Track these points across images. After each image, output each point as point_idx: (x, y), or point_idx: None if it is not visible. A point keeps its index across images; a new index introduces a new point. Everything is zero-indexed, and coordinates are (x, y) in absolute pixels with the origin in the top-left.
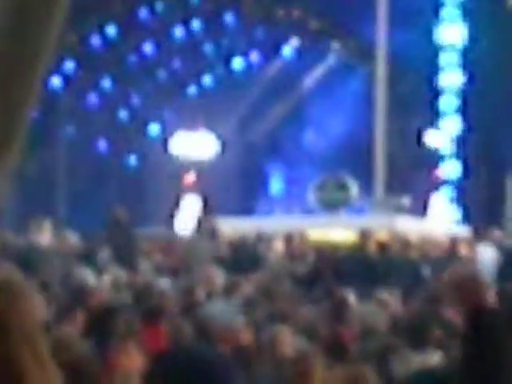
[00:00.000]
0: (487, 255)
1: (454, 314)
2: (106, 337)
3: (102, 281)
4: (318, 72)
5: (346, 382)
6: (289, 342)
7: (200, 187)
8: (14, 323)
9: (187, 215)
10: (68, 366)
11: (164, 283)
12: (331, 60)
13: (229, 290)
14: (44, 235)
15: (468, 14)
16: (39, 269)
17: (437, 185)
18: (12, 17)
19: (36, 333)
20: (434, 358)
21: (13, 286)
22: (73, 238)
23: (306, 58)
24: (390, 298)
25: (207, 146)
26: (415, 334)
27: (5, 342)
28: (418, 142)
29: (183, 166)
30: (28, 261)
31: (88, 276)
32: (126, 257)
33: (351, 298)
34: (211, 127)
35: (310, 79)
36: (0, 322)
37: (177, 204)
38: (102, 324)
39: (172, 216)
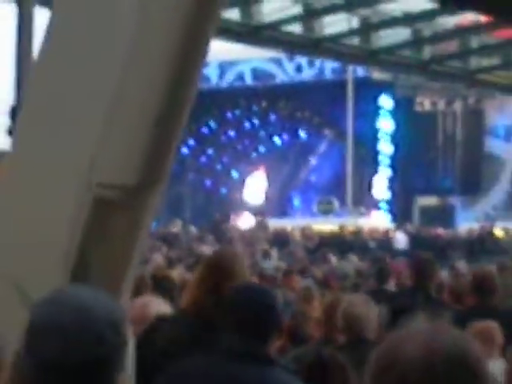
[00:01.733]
0: None
1: None
2: None
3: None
4: (319, 148)
5: None
6: None
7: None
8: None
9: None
10: None
11: None
12: (325, 141)
13: None
14: (176, 228)
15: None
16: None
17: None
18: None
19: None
20: None
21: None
22: (193, 229)
23: (312, 138)
24: None
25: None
26: None
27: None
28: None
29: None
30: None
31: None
32: (219, 237)
33: None
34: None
35: (315, 152)
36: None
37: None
38: None
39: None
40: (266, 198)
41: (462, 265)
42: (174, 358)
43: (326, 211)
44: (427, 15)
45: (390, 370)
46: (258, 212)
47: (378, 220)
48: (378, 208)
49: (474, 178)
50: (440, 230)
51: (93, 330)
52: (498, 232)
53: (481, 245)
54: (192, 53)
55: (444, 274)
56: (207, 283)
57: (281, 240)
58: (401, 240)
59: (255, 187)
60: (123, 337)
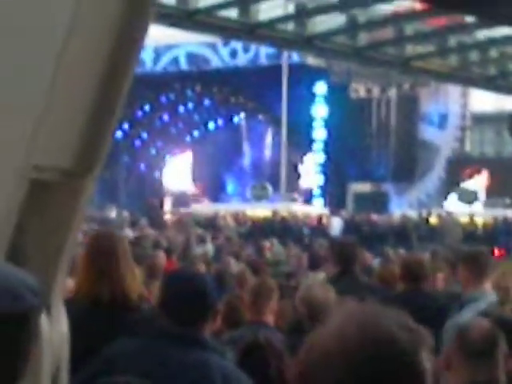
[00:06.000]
0: None
1: None
2: None
3: None
4: (254, 133)
5: None
6: None
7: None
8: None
9: None
10: None
11: None
12: (260, 126)
13: None
14: (112, 213)
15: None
16: None
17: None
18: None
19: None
20: None
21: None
22: (126, 213)
23: (246, 123)
24: None
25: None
26: None
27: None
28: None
29: None
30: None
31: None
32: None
33: None
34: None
35: (249, 137)
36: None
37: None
38: None
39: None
40: (198, 182)
41: (392, 251)
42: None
43: (260, 196)
44: (363, 2)
45: (307, 357)
46: (182, 199)
47: (312, 206)
48: (311, 194)
49: (407, 164)
50: (374, 217)
51: (8, 287)
52: (432, 219)
53: (415, 231)
54: (129, 37)
55: (378, 261)
56: (94, 268)
57: (214, 226)
58: (336, 226)
59: (178, 171)
60: (40, 299)
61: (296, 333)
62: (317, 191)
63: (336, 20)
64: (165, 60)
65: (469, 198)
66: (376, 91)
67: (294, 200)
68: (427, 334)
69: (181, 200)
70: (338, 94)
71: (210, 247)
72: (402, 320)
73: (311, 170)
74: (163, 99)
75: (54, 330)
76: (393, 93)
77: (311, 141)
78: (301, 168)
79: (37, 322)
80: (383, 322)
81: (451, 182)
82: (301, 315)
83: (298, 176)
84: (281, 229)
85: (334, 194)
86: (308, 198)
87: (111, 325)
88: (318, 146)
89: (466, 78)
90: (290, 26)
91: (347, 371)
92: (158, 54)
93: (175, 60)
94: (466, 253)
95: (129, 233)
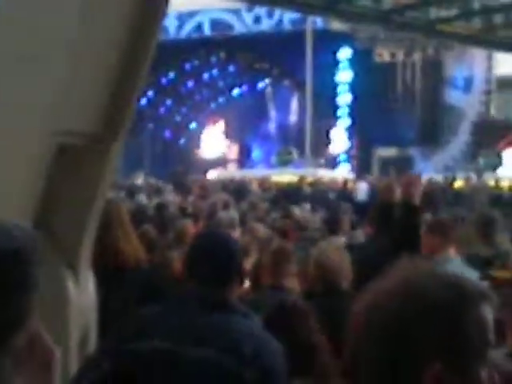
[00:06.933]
0: None
1: None
2: None
3: None
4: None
5: None
6: None
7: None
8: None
9: None
10: None
11: None
12: (284, 91)
13: None
14: (140, 179)
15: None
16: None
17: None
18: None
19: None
20: None
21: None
22: (153, 180)
23: (271, 89)
24: None
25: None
26: None
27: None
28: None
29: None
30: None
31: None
32: (180, 188)
33: None
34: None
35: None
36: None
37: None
38: None
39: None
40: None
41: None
42: None
43: (285, 162)
44: None
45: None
46: (217, 165)
47: (338, 171)
48: (337, 160)
49: (433, 129)
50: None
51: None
52: (458, 183)
53: (442, 196)
54: (153, 4)
55: None
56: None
57: (239, 191)
58: (362, 191)
59: (212, 142)
60: (37, 245)
61: (309, 296)
62: (342, 156)
63: None
64: (188, 27)
65: (493, 162)
66: (400, 55)
67: (319, 165)
68: (485, 293)
69: (216, 165)
70: (362, 59)
71: (234, 213)
72: (448, 279)
73: (338, 136)
74: (187, 66)
75: (82, 294)
76: (417, 57)
77: (336, 106)
78: (333, 133)
79: (34, 268)
80: (420, 280)
81: (476, 146)
82: (313, 279)
83: (326, 142)
84: (307, 194)
85: (360, 159)
86: (334, 163)
87: (104, 285)
88: (342, 111)
89: (491, 42)
90: None
91: (368, 330)
92: (181, 20)
93: (199, 26)
94: (431, 221)
95: (154, 199)
